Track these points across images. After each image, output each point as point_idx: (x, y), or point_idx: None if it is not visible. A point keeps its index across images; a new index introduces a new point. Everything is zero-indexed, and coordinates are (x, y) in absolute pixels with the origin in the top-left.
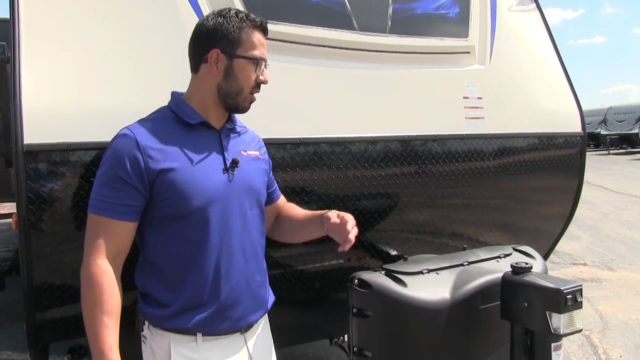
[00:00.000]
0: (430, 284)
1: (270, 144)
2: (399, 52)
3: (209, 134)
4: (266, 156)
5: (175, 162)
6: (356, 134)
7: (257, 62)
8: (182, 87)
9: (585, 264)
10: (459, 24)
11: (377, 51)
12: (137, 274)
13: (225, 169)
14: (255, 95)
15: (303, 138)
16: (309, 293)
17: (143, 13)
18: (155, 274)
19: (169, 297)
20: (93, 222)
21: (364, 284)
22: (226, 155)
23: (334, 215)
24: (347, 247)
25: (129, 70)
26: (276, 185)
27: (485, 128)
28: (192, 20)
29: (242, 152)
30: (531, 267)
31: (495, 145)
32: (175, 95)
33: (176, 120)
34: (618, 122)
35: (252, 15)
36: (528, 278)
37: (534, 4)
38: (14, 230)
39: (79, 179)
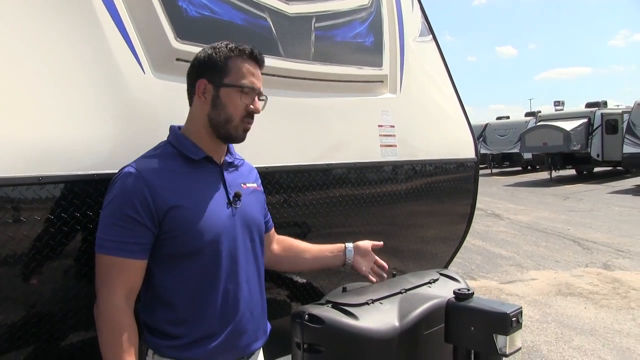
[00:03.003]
0: (378, 314)
1: None
2: (322, 80)
3: (211, 168)
4: (261, 187)
5: (183, 199)
6: (277, 164)
7: (243, 89)
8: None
9: None
10: (374, 53)
11: (302, 78)
12: (143, 309)
13: (229, 203)
14: (249, 125)
15: None
16: None
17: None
18: (164, 309)
19: (179, 329)
20: (104, 263)
21: (315, 319)
22: (229, 190)
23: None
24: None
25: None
26: (269, 215)
27: (398, 155)
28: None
29: (242, 185)
30: (473, 293)
31: (404, 172)
32: (174, 130)
33: (178, 156)
34: (500, 136)
35: (243, 45)
36: (473, 304)
37: (431, 36)
38: None
39: None
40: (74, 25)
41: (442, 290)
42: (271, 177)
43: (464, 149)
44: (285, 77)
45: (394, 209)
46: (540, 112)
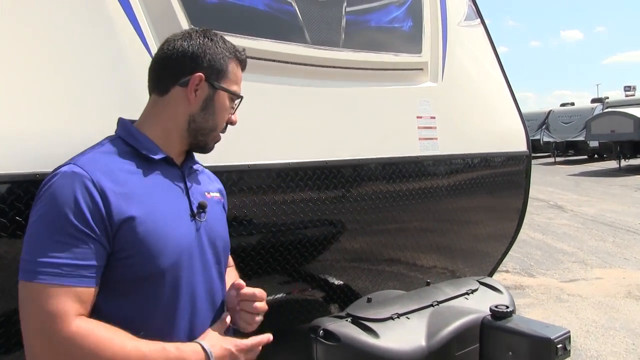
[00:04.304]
0: (403, 332)
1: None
2: (353, 68)
3: (171, 172)
4: (226, 201)
5: (140, 209)
6: (305, 159)
7: (234, 98)
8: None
9: (507, 271)
10: (412, 39)
11: (330, 67)
12: None
13: (192, 216)
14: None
15: (251, 165)
16: None
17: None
18: None
19: None
20: (39, 296)
21: (330, 335)
22: (192, 199)
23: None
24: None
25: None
26: None
27: (439, 149)
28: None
29: (207, 194)
30: (513, 312)
31: (446, 167)
32: (125, 124)
33: (133, 155)
34: (564, 124)
35: (238, 46)
36: (511, 324)
37: (479, 20)
38: None
39: None
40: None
41: (480, 304)
42: (294, 175)
43: (514, 141)
44: (311, 65)
45: (437, 206)
46: (607, 98)
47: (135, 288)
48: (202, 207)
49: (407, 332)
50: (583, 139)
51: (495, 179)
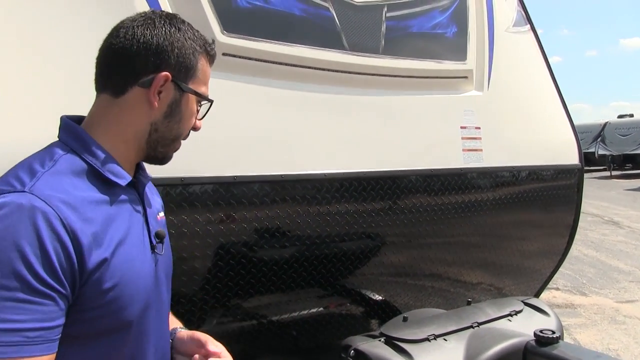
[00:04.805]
0: (439, 355)
1: (247, 182)
2: (393, 76)
3: (130, 195)
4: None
5: (109, 252)
6: (342, 170)
7: (201, 101)
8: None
9: (557, 288)
10: (456, 46)
11: (369, 74)
12: None
13: (152, 249)
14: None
15: (284, 175)
16: (285, 344)
17: None
18: None
19: None
20: None
21: (362, 356)
22: (151, 227)
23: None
24: None
25: None
26: None
27: (484, 161)
28: None
29: (158, 216)
30: (560, 337)
31: (492, 180)
32: (76, 130)
33: (94, 177)
34: (622, 136)
35: (206, 37)
36: (557, 352)
37: (529, 26)
38: None
39: None
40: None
41: (524, 326)
42: (330, 186)
43: (566, 153)
44: (349, 72)
45: (481, 220)
46: None
47: (100, 341)
48: (159, 238)
49: (444, 355)
50: None
51: (544, 193)
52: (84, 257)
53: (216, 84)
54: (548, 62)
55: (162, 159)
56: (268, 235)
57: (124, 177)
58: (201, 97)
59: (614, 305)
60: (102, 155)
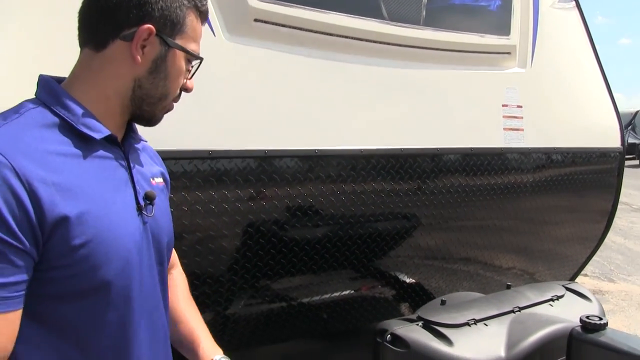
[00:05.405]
0: (480, 340)
1: (278, 156)
2: (434, 49)
3: (113, 152)
4: (168, 183)
5: (79, 206)
6: (378, 146)
7: (191, 58)
8: None
9: (586, 275)
10: (500, 19)
11: (408, 46)
12: None
13: (138, 210)
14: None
15: (318, 150)
16: (316, 327)
17: None
18: None
19: None
20: None
21: (399, 341)
22: (137, 188)
23: None
24: None
25: None
26: None
27: (525, 141)
28: None
29: (152, 180)
30: (606, 324)
31: (532, 161)
32: (50, 84)
33: (65, 130)
34: None
35: None
36: (604, 339)
37: (574, 2)
38: None
39: None
40: None
41: (566, 312)
42: (366, 162)
43: (608, 136)
44: (388, 43)
45: (518, 203)
46: None
47: (75, 303)
48: (149, 199)
49: (485, 340)
50: None
51: (584, 177)
52: (44, 211)
53: (247, 52)
54: (592, 41)
55: (150, 120)
56: (300, 213)
57: (99, 131)
58: (189, 54)
59: None
60: (77, 108)
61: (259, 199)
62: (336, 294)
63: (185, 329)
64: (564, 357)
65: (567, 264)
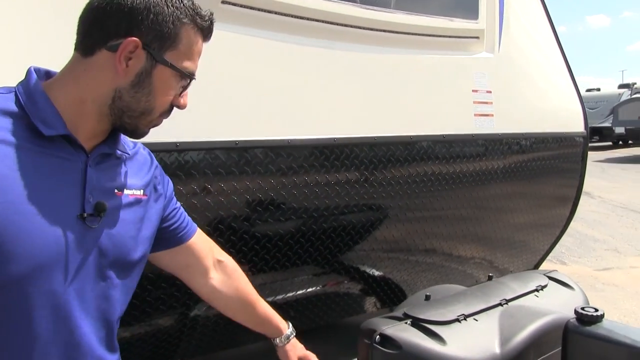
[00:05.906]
0: (473, 337)
1: (249, 147)
2: (404, 33)
3: (70, 155)
4: (165, 188)
5: None
6: (350, 134)
7: (183, 76)
8: None
9: None
10: (468, 3)
11: (379, 29)
12: None
13: (81, 217)
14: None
15: (291, 140)
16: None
17: None
18: None
19: None
20: None
21: (389, 341)
22: (88, 195)
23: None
24: None
25: None
26: (186, 217)
27: (495, 127)
28: None
29: (117, 191)
30: (603, 315)
31: (501, 147)
32: (30, 80)
33: (20, 121)
34: (590, 109)
35: (201, 9)
36: (602, 331)
37: None
38: None
39: None
40: None
41: (553, 302)
42: (340, 151)
43: (572, 121)
44: (358, 27)
45: (485, 190)
46: (635, 83)
47: None
48: (99, 210)
49: (478, 336)
50: (609, 125)
51: (550, 162)
52: None
53: (214, 36)
54: (553, 26)
55: (133, 132)
56: (268, 206)
57: (53, 128)
58: (178, 72)
59: (592, 273)
60: (41, 103)
61: (228, 192)
62: (302, 292)
63: (261, 311)
64: (558, 349)
65: (529, 252)
